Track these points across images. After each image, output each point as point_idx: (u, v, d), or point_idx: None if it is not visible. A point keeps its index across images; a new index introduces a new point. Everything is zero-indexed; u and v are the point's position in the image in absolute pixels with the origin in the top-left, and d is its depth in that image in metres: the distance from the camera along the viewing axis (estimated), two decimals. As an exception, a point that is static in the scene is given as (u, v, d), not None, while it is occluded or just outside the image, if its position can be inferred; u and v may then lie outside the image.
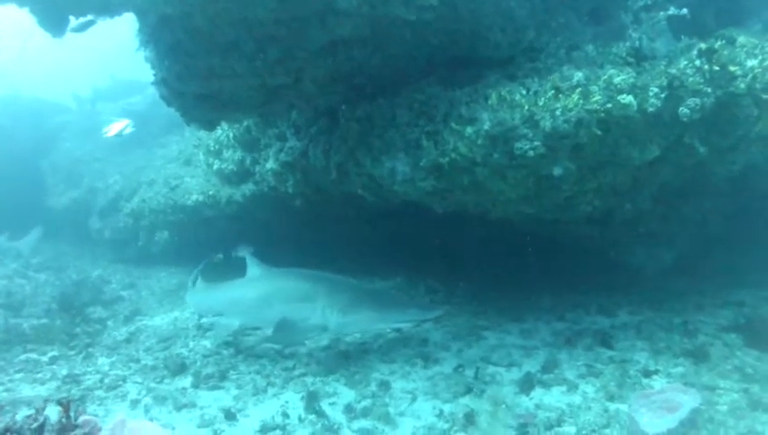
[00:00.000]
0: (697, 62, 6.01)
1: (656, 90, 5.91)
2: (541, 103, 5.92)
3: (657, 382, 6.10)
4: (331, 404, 6.22)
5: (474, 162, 6.23)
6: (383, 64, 6.95)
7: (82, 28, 7.14)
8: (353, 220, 9.71)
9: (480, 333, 7.84)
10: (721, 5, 7.09)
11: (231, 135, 10.23)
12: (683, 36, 6.54)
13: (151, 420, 6.02)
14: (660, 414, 4.94)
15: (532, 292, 8.97)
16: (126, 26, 7.21)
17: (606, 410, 5.60)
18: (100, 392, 6.87)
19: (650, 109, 5.88)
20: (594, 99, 5.82)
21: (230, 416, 6.04)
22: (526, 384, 6.27)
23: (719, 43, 6.09)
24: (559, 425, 5.48)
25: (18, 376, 7.45)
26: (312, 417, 5.89)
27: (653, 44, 6.59)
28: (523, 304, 8.62)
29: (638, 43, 6.45)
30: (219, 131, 10.43)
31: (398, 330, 7.78)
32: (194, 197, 11.63)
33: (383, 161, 6.79)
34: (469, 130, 6.10)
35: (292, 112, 8.13)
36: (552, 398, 6.05)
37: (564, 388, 6.22)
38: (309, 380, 6.84)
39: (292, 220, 10.05)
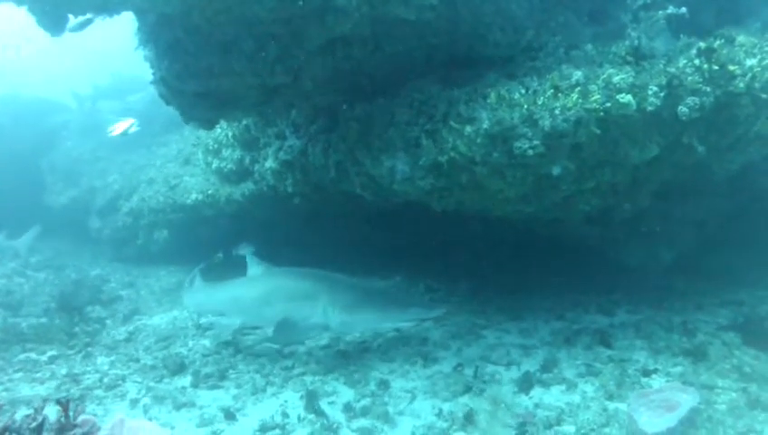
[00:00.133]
0: (696, 62, 6.01)
1: (655, 89, 5.91)
2: (540, 102, 5.92)
3: (656, 381, 6.11)
4: (330, 403, 6.23)
5: (473, 161, 6.23)
6: (383, 63, 6.95)
7: (81, 27, 7.13)
8: (352, 219, 9.72)
9: (479, 332, 7.84)
10: (720, 4, 7.10)
11: (230, 134, 10.23)
12: (682, 35, 6.53)
13: (150, 419, 6.02)
14: (659, 413, 4.96)
15: (532, 291, 8.98)
16: (126, 25, 7.20)
17: (605, 410, 5.61)
18: (99, 392, 6.88)
19: (649, 108, 5.88)
20: (593, 98, 5.82)
21: (229, 415, 6.04)
22: (525, 383, 6.28)
23: (718, 42, 6.09)
24: (558, 424, 5.48)
25: (17, 375, 7.44)
26: (312, 416, 5.89)
27: (652, 43, 6.58)
28: (523, 303, 8.62)
29: (637, 42, 6.44)
30: (218, 130, 10.43)
31: (398, 329, 7.78)
32: (193, 196, 11.63)
33: (382, 160, 6.79)
34: (468, 128, 6.10)
35: (291, 111, 8.12)
36: (552, 397, 6.06)
37: (563, 387, 6.22)
38: (308, 379, 6.84)
39: (291, 219, 10.06)
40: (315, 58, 6.61)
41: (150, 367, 7.51)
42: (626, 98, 5.82)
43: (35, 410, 4.02)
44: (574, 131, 5.87)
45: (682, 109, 5.93)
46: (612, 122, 5.91)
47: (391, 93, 7.02)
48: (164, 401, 6.48)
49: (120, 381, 7.12)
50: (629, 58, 6.37)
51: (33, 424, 3.93)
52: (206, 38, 6.32)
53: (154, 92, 7.55)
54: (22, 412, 4.29)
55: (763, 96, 5.94)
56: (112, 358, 7.98)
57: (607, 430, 5.25)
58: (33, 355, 8.11)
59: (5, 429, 3.83)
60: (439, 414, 5.83)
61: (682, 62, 6.09)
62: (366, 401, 6.13)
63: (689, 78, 5.95)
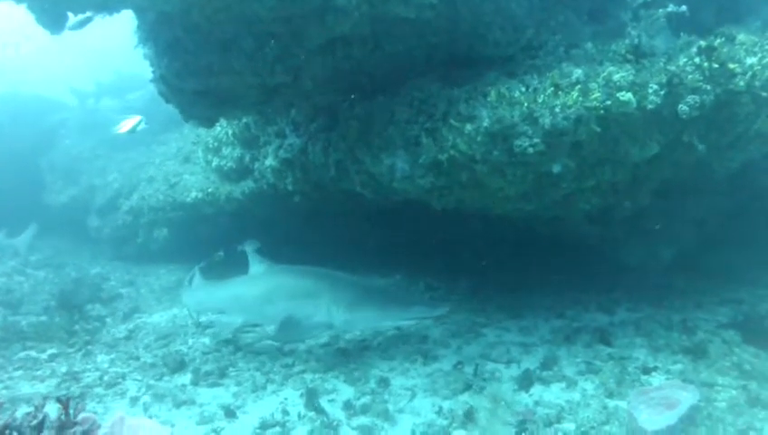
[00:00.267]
0: (697, 60, 6.01)
1: (655, 87, 5.91)
2: (540, 101, 5.92)
3: (656, 379, 6.12)
4: (330, 401, 6.23)
5: (473, 159, 6.23)
6: (382, 62, 6.95)
7: (80, 25, 7.13)
8: (352, 217, 9.73)
9: (479, 331, 7.85)
10: (721, 3, 7.10)
11: (230, 132, 10.23)
12: (682, 34, 6.53)
13: (151, 417, 6.02)
14: (659, 411, 4.96)
15: (532, 289, 8.98)
16: (126, 23, 7.19)
17: (605, 407, 5.62)
18: (99, 390, 6.88)
19: (649, 106, 5.88)
20: (593, 96, 5.82)
21: (229, 413, 6.05)
22: (525, 381, 6.28)
23: (719, 40, 6.09)
24: (558, 422, 5.49)
25: (17, 373, 7.45)
26: (312, 414, 5.90)
27: (652, 42, 6.58)
28: (523, 302, 8.63)
29: (637, 40, 6.44)
30: (218, 129, 10.44)
31: (398, 327, 7.78)
32: (193, 194, 11.63)
33: (382, 159, 6.79)
34: (468, 127, 6.10)
35: (291, 110, 8.12)
36: (552, 395, 6.06)
37: (563, 385, 6.23)
38: (308, 377, 6.85)
39: (291, 217, 10.06)
40: (315, 57, 6.61)
41: (150, 365, 7.52)
42: (626, 96, 5.82)
43: (36, 407, 4.02)
44: (574, 129, 5.88)
45: (682, 107, 5.93)
46: (612, 120, 5.91)
47: (391, 92, 7.02)
48: (164, 399, 6.48)
49: (120, 379, 7.12)
50: (630, 56, 6.37)
51: (34, 422, 3.94)
52: (206, 36, 6.33)
53: (154, 90, 7.55)
54: (22, 410, 4.30)
55: (764, 94, 5.94)
56: (112, 356, 7.99)
57: (607, 427, 5.26)
58: (33, 353, 8.11)
59: (6, 426, 3.83)
60: (439, 412, 5.83)
61: (682, 60, 6.09)
62: (366, 399, 6.14)
63: (689, 76, 5.96)
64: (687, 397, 4.98)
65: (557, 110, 5.83)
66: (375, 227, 10.15)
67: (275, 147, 8.70)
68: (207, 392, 6.68)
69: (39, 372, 7.46)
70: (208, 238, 11.45)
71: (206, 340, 8.34)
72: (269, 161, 8.77)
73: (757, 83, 5.93)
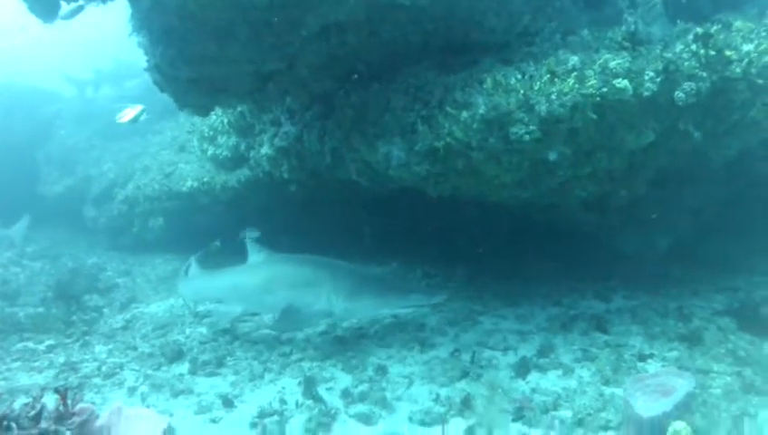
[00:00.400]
0: (693, 47, 6.00)
1: (651, 74, 5.90)
2: (536, 88, 5.91)
3: (652, 366, 6.15)
4: (328, 389, 6.25)
5: (469, 147, 6.22)
6: (378, 50, 6.91)
7: (73, 14, 7.08)
8: (349, 205, 9.72)
9: (476, 318, 7.87)
10: (717, -11, 7.08)
11: (225, 121, 10.20)
12: (679, 21, 6.51)
13: (148, 407, 6.03)
14: (655, 398, 4.98)
15: (528, 277, 9.00)
16: (120, 11, 7.14)
17: (601, 394, 5.64)
18: (97, 380, 6.88)
19: (646, 93, 5.87)
20: (590, 83, 5.81)
21: (227, 402, 6.06)
22: (522, 368, 6.31)
23: (715, 27, 6.07)
24: (555, 409, 5.51)
25: (15, 365, 7.44)
26: (310, 402, 5.91)
27: (649, 29, 6.56)
28: (519, 289, 8.65)
29: (633, 27, 6.41)
30: (213, 117, 10.40)
31: (395, 315, 7.79)
32: (189, 183, 11.60)
33: (378, 146, 6.78)
34: (464, 114, 6.09)
35: (286, 98, 8.08)
36: (548, 382, 6.09)
37: (560, 372, 6.26)
38: (306, 365, 6.86)
39: (287, 206, 10.04)
40: (310, 44, 6.57)
41: (148, 355, 7.52)
42: (622, 83, 5.81)
43: (34, 398, 4.03)
44: (570, 116, 5.87)
45: (678, 94, 5.92)
46: (609, 107, 5.91)
47: (387, 79, 6.99)
48: (162, 389, 6.49)
49: (117, 370, 7.12)
50: (626, 43, 6.35)
51: (32, 413, 3.95)
52: (201, 24, 6.27)
53: (149, 79, 7.50)
54: (21, 401, 4.30)
55: (760, 81, 5.93)
56: (110, 346, 7.99)
57: (603, 414, 5.28)
58: (30, 344, 8.11)
59: (4, 417, 3.84)
60: (437, 399, 5.86)
61: (679, 47, 6.07)
62: (364, 387, 6.16)
63: (686, 63, 5.95)
64: (683, 384, 5.00)
65: (553, 97, 5.82)
66: (371, 215, 10.15)
67: (271, 135, 8.67)
68: (205, 382, 6.69)
69: (37, 363, 7.46)
70: (204, 228, 11.42)
71: (204, 329, 8.35)
72: (264, 150, 8.75)
73: (753, 70, 5.92)
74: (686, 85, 5.92)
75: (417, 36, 6.92)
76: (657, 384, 5.13)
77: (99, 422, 4.23)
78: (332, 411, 5.71)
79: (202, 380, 6.75)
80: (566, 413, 5.42)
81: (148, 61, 7.06)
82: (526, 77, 6.07)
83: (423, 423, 5.50)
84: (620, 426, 5.10)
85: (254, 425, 5.63)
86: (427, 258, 10.07)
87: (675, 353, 6.37)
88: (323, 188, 8.74)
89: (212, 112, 9.00)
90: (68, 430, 3.98)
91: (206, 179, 11.17)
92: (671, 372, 5.36)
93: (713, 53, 5.94)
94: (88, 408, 4.19)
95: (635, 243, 8.15)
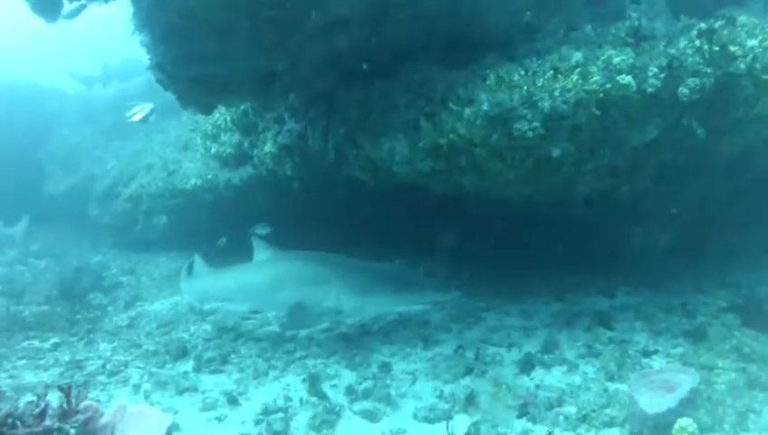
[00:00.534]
0: (697, 43, 5.97)
1: (655, 70, 5.88)
2: (539, 84, 5.90)
3: (657, 362, 6.15)
4: (332, 386, 6.26)
5: (472, 143, 6.21)
6: (381, 46, 6.90)
7: (75, 13, 7.08)
8: (352, 202, 9.70)
9: (480, 315, 7.87)
10: (721, -16, 7.04)
11: (228, 119, 10.19)
12: (682, 16, 6.49)
13: (153, 404, 6.05)
14: (660, 394, 4.98)
15: (532, 273, 8.98)
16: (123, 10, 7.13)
17: (606, 390, 5.64)
18: (102, 378, 6.91)
19: (649, 89, 5.86)
20: (593, 79, 5.79)
21: (232, 400, 6.08)
22: (527, 365, 6.31)
23: (719, 22, 6.05)
24: (559, 405, 5.52)
25: (21, 363, 7.48)
26: (314, 399, 5.93)
27: (652, 24, 6.54)
28: (523, 286, 8.64)
29: (637, 23, 6.40)
30: (217, 115, 10.39)
31: (399, 312, 7.79)
32: (192, 181, 11.61)
33: (381, 143, 6.77)
34: (468, 110, 6.08)
35: (289, 95, 8.07)
36: (553, 378, 6.09)
37: (564, 368, 6.25)
38: (310, 362, 6.88)
39: (290, 203, 10.03)
40: (313, 41, 6.55)
41: (152, 352, 7.55)
42: (626, 79, 5.79)
43: (38, 396, 4.05)
44: (574, 113, 5.85)
45: (682, 90, 5.90)
46: (612, 104, 5.89)
47: (390, 76, 6.98)
48: (166, 387, 6.51)
49: (122, 367, 7.16)
50: (629, 39, 6.33)
51: (36, 410, 3.97)
52: (202, 22, 6.26)
53: (152, 77, 7.50)
54: (26, 399, 4.32)
55: (764, 77, 5.91)
56: (114, 344, 8.02)
57: (608, 410, 5.28)
58: (36, 343, 8.15)
59: (9, 415, 3.85)
60: (441, 396, 5.86)
61: (682, 43, 6.05)
62: (368, 384, 6.16)
63: (690, 59, 5.93)
64: (687, 380, 5.00)
65: (556, 93, 5.81)
66: (374, 212, 10.13)
67: (274, 133, 8.67)
68: (210, 379, 6.71)
69: (42, 361, 7.50)
70: (208, 225, 11.43)
71: (208, 327, 8.37)
72: (268, 147, 8.75)
73: (758, 66, 5.89)
74: (690, 81, 5.90)
75: (420, 33, 6.91)
76: (662, 380, 5.13)
77: (103, 420, 4.25)
78: (337, 408, 5.72)
79: (206, 377, 6.77)
80: (570, 409, 5.42)
81: (150, 59, 7.06)
82: (529, 73, 6.06)
83: (427, 420, 5.52)
84: (625, 422, 5.10)
85: (258, 422, 5.65)
86: (430, 255, 10.05)
87: (679, 350, 6.36)
88: (327, 186, 8.74)
89: (215, 110, 9.00)
90: (72, 427, 4.00)
91: (209, 177, 11.18)
92: (676, 368, 5.36)
93: (717, 48, 5.92)
94: (92, 405, 4.21)
95: (638, 239, 8.13)
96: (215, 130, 10.77)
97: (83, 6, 6.81)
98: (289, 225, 9.22)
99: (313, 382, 6.11)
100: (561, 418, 5.30)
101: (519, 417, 5.38)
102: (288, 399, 6.01)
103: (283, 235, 9.02)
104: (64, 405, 4.06)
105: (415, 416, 5.60)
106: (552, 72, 5.95)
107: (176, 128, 15.25)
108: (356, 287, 6.91)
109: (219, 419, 5.80)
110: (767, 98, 6.10)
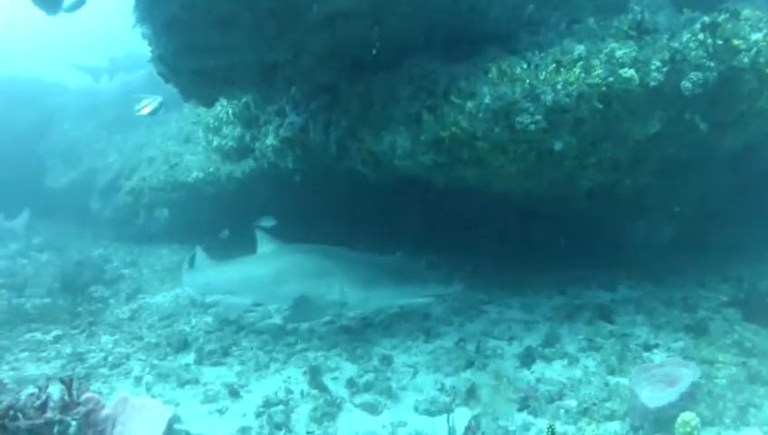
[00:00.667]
0: (700, 36, 5.94)
1: (658, 64, 5.86)
2: (542, 77, 5.88)
3: (658, 356, 6.15)
4: (333, 379, 6.27)
5: (474, 136, 6.20)
6: (382, 39, 6.89)
7: (76, 6, 7.06)
8: (353, 195, 9.70)
9: (481, 308, 7.87)
10: (725, -23, 7.00)
11: (230, 111, 10.18)
12: (685, 9, 6.46)
13: (154, 396, 6.06)
14: (661, 388, 4.98)
15: (533, 266, 8.98)
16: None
17: (607, 384, 5.64)
18: (104, 370, 6.93)
19: (652, 83, 5.83)
20: (596, 73, 5.78)
21: (233, 392, 6.09)
22: (527, 358, 6.32)
23: (723, 16, 6.01)
24: (560, 398, 5.52)
25: (23, 355, 7.50)
26: (315, 392, 5.94)
27: (655, 18, 6.51)
28: (524, 279, 8.64)
29: (639, 16, 6.36)
30: (218, 108, 10.38)
31: (401, 305, 7.79)
32: (194, 174, 11.62)
33: (383, 136, 6.76)
34: (470, 104, 6.06)
35: (291, 88, 8.06)
36: (554, 372, 6.10)
37: (565, 362, 6.26)
38: (311, 355, 6.89)
39: (292, 196, 10.04)
40: (315, 34, 6.54)
41: (154, 345, 7.56)
42: (628, 73, 5.77)
43: (39, 388, 4.06)
44: (576, 106, 5.83)
45: (685, 84, 5.88)
46: (614, 97, 5.87)
47: (391, 69, 6.96)
48: (168, 379, 6.53)
49: (124, 360, 7.17)
50: (632, 32, 6.30)
51: (38, 402, 3.97)
52: (204, 14, 6.25)
53: (153, 70, 7.49)
54: (28, 391, 4.33)
55: (768, 71, 5.89)
56: (116, 337, 8.03)
57: (608, 404, 5.28)
58: (38, 335, 8.16)
59: (10, 407, 3.86)
60: (442, 389, 5.87)
61: (685, 36, 6.02)
62: (369, 377, 6.17)
63: (693, 53, 5.90)
64: (688, 374, 5.00)
65: (559, 86, 5.79)
66: (376, 205, 10.13)
67: (276, 126, 8.66)
68: (211, 371, 6.73)
69: (44, 354, 7.51)
70: (210, 218, 11.44)
71: (209, 319, 8.38)
72: (269, 140, 8.74)
73: (762, 60, 5.87)
74: (693, 75, 5.87)
75: (422, 26, 6.89)
76: (663, 374, 5.13)
77: (104, 412, 4.26)
78: (338, 401, 5.74)
79: (208, 369, 6.79)
80: (571, 403, 5.43)
81: (152, 52, 7.05)
82: (532, 66, 6.04)
83: (428, 413, 5.53)
84: (626, 416, 5.11)
85: (259, 415, 5.66)
86: (432, 248, 10.06)
87: (680, 344, 6.36)
88: (328, 179, 8.73)
89: (217, 103, 8.99)
90: (73, 419, 4.01)
91: (211, 170, 11.18)
92: (676, 362, 5.36)
93: (720, 42, 5.89)
94: (93, 397, 4.22)
95: (640, 233, 8.12)
96: (216, 123, 10.77)
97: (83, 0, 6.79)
98: (290, 218, 9.22)
99: (314, 375, 6.13)
100: (562, 411, 5.31)
101: (520, 410, 5.39)
102: (289, 391, 6.03)
103: (284, 228, 9.03)
104: (65, 397, 4.06)
105: (416, 409, 5.61)
106: (554, 65, 5.93)
107: (177, 120, 15.24)
108: (360, 280, 6.90)
109: (220, 411, 5.81)
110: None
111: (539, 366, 6.24)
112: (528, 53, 6.29)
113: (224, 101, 9.97)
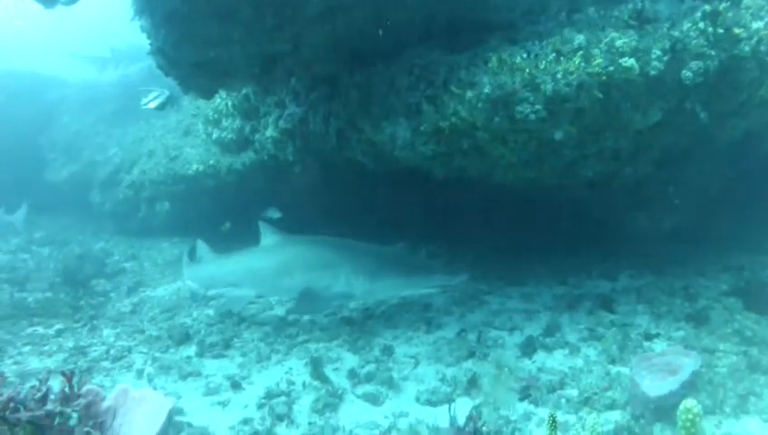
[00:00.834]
0: (701, 25, 5.91)
1: (658, 53, 5.83)
2: (542, 67, 5.85)
3: (659, 345, 6.16)
4: (334, 370, 6.29)
5: (474, 126, 6.18)
6: (382, 30, 6.86)
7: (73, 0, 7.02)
8: (354, 186, 9.69)
9: (482, 298, 7.88)
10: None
11: (230, 104, 10.16)
12: (686, -2, 6.43)
13: (156, 389, 6.08)
14: (661, 377, 4.99)
15: (534, 256, 8.98)
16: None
17: (608, 373, 5.65)
18: (106, 363, 6.95)
19: (652, 72, 5.81)
20: (596, 62, 5.75)
21: (235, 384, 6.11)
22: (528, 348, 6.33)
23: (724, 4, 5.97)
24: (561, 388, 5.54)
25: (26, 349, 7.52)
26: (317, 383, 5.95)
27: (656, 6, 6.46)
28: (525, 269, 8.65)
29: (640, 5, 6.33)
30: (218, 100, 10.36)
31: (403, 296, 7.79)
32: (194, 166, 11.61)
33: (383, 127, 6.75)
34: (469, 93, 6.04)
35: (291, 80, 8.04)
36: (555, 361, 6.11)
37: (566, 351, 6.28)
38: (312, 346, 6.90)
39: (292, 187, 10.04)
40: (314, 25, 6.51)
41: (156, 338, 7.58)
42: (629, 62, 5.74)
43: (40, 381, 4.06)
44: (576, 96, 5.81)
45: (686, 73, 5.85)
46: (615, 87, 5.84)
47: (391, 60, 6.94)
48: (170, 371, 6.55)
49: (126, 353, 7.19)
50: (632, 21, 6.26)
51: (38, 395, 3.98)
52: (204, 6, 6.22)
53: (152, 63, 7.46)
54: (30, 384, 4.33)
55: (769, 60, 5.86)
56: (118, 330, 8.06)
57: (609, 393, 5.29)
58: (40, 329, 8.18)
59: (11, 399, 3.87)
60: (443, 379, 5.89)
61: (686, 25, 5.98)
62: (370, 367, 6.19)
63: (693, 42, 5.86)
64: (689, 363, 5.00)
65: (559, 76, 5.76)
66: (376, 196, 10.12)
67: (275, 117, 8.64)
68: (212, 364, 6.75)
69: (47, 348, 7.53)
70: (210, 211, 11.45)
71: (211, 311, 8.39)
72: (269, 132, 8.73)
73: (763, 48, 5.83)
74: (694, 64, 5.84)
75: (422, 16, 6.86)
76: (664, 363, 5.13)
77: (105, 404, 4.27)
78: (339, 392, 5.75)
79: (209, 362, 6.80)
80: (572, 392, 5.45)
81: (151, 44, 7.03)
82: (532, 56, 6.01)
83: (430, 403, 5.55)
84: (627, 405, 5.12)
85: (261, 406, 5.68)
86: (432, 238, 10.07)
87: (681, 333, 6.37)
88: (328, 170, 8.73)
89: (216, 95, 8.97)
90: (74, 411, 4.01)
91: (211, 162, 11.17)
92: (677, 351, 5.37)
93: (721, 31, 5.85)
94: (94, 389, 4.22)
95: (641, 222, 8.11)
96: (216, 116, 10.74)
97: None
98: (290, 209, 9.23)
99: (316, 366, 6.14)
100: (563, 400, 5.33)
101: (521, 400, 5.41)
102: (291, 383, 6.05)
103: (284, 219, 9.03)
104: (66, 390, 4.07)
105: (417, 399, 5.63)
106: (554, 54, 5.90)
107: (177, 113, 15.21)
108: (366, 271, 6.88)
109: (222, 403, 5.83)
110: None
111: (540, 356, 6.26)
112: (528, 43, 6.26)
113: (223, 94, 9.95)
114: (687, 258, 8.35)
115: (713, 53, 5.87)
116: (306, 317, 7.66)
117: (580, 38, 5.99)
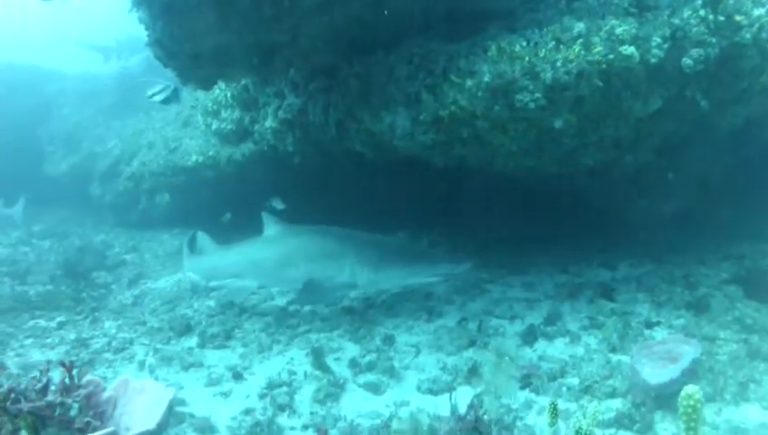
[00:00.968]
0: (702, 12, 5.88)
1: (658, 40, 5.80)
2: (541, 55, 5.82)
3: (659, 334, 6.16)
4: (336, 359, 6.31)
5: (474, 115, 6.16)
6: (381, 19, 6.82)
7: None
8: (354, 176, 9.68)
9: (483, 287, 7.89)
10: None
11: (229, 94, 10.12)
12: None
13: (157, 379, 6.10)
14: (662, 365, 5.00)
15: (535, 245, 8.98)
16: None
17: (608, 362, 5.66)
18: (108, 355, 6.97)
19: (652, 60, 5.79)
20: (596, 50, 5.72)
21: (237, 374, 6.12)
22: (529, 336, 6.35)
23: (725, -9, 5.96)
24: (562, 376, 5.56)
25: (28, 341, 7.54)
26: (318, 373, 5.97)
27: (656, -7, 6.44)
28: (526, 258, 8.64)
29: (640, -8, 6.31)
30: (217, 91, 10.32)
31: (404, 285, 7.78)
32: (194, 158, 11.59)
33: (382, 116, 6.73)
34: (469, 82, 6.02)
35: (290, 70, 8.01)
36: (555, 350, 6.13)
37: (567, 340, 6.29)
38: (313, 336, 6.92)
39: (291, 178, 10.02)
40: (312, 16, 6.48)
41: (157, 329, 7.60)
42: (629, 50, 5.72)
43: (40, 372, 4.07)
44: (576, 84, 5.79)
45: (686, 60, 5.83)
46: (615, 75, 5.82)
47: (390, 49, 6.91)
48: (171, 362, 6.56)
49: (127, 344, 7.22)
50: (633, 9, 6.23)
51: (39, 386, 3.99)
52: (201, -4, 6.20)
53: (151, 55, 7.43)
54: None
55: (771, 47, 5.83)
56: (119, 322, 8.07)
57: (610, 381, 5.30)
58: (42, 322, 8.20)
59: (11, 390, 3.88)
60: (444, 368, 5.90)
61: (686, 12, 5.95)
62: (371, 357, 6.20)
63: (694, 29, 5.84)
64: (690, 351, 5.01)
65: (558, 64, 5.74)
66: (377, 185, 10.11)
67: (275, 108, 8.62)
68: (214, 355, 6.76)
69: (49, 340, 7.55)
70: (210, 202, 11.43)
71: (212, 303, 8.41)
72: (269, 122, 8.71)
73: (764, 36, 5.82)
74: (694, 52, 5.82)
75: (421, 5, 6.83)
76: (664, 351, 5.14)
77: (105, 394, 4.28)
78: (341, 381, 5.77)
79: (211, 353, 6.82)
80: (573, 380, 5.46)
81: (149, 36, 6.99)
82: (531, 44, 5.98)
83: (431, 392, 5.57)
84: (627, 393, 5.13)
85: (263, 396, 5.69)
86: (433, 228, 10.06)
87: (681, 321, 6.38)
88: (328, 160, 8.71)
89: (215, 86, 8.94)
90: (74, 401, 4.02)
91: (211, 154, 11.15)
92: (678, 339, 5.37)
93: (722, 18, 5.83)
94: (94, 380, 4.23)
95: (641, 211, 8.10)
96: (215, 107, 10.71)
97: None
98: (290, 200, 9.22)
99: (317, 356, 6.15)
100: (564, 389, 5.34)
101: (522, 388, 5.42)
102: (292, 373, 6.07)
103: (284, 209, 9.02)
104: (66, 380, 4.08)
105: (418, 388, 5.65)
106: (554, 42, 5.88)
107: (175, 105, 15.15)
108: (370, 261, 6.88)
109: (224, 394, 5.85)
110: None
111: (541, 344, 6.27)
112: (528, 31, 6.23)
113: (222, 85, 9.91)
114: (688, 247, 8.34)
115: (713, 40, 5.85)
116: (307, 308, 7.66)
117: (579, 26, 5.96)
